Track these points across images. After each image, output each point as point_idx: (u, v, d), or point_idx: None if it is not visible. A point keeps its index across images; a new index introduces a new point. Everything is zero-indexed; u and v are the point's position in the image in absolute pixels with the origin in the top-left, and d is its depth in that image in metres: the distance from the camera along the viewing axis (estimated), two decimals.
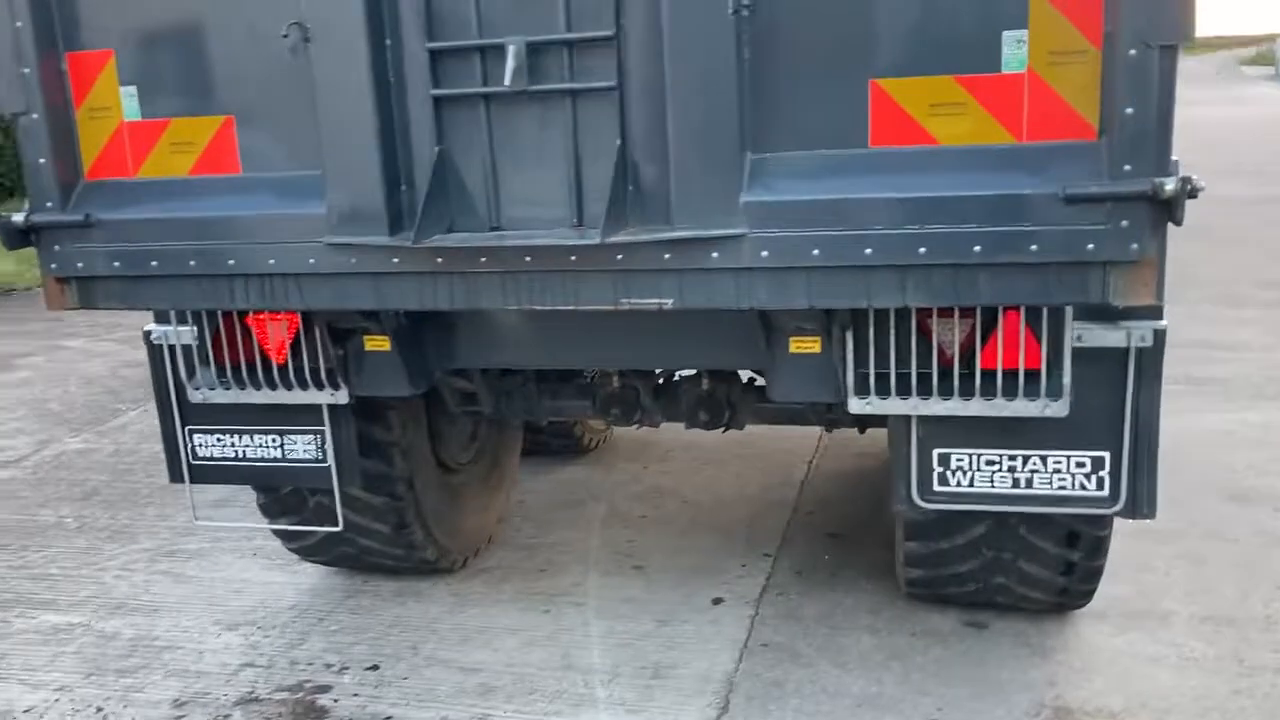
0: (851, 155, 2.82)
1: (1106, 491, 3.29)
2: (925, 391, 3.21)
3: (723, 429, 4.36)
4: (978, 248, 2.70)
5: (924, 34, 2.72)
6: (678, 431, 4.94)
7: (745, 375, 4.21)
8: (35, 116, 3.23)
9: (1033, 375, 3.14)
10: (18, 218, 3.30)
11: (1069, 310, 3.04)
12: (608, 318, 3.23)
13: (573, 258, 2.94)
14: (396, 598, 4.67)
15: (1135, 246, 2.62)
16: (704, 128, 2.82)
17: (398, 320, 3.55)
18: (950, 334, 3.17)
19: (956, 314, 3.13)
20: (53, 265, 3.36)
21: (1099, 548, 3.74)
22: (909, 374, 3.19)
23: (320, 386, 3.68)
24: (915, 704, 3.71)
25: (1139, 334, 3.16)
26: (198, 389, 3.80)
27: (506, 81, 2.89)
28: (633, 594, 4.59)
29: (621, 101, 2.90)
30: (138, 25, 3.21)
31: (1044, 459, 3.31)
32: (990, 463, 3.35)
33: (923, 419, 3.31)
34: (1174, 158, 2.60)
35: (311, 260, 3.13)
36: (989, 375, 3.17)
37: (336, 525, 4.01)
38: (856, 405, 3.27)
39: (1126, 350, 3.17)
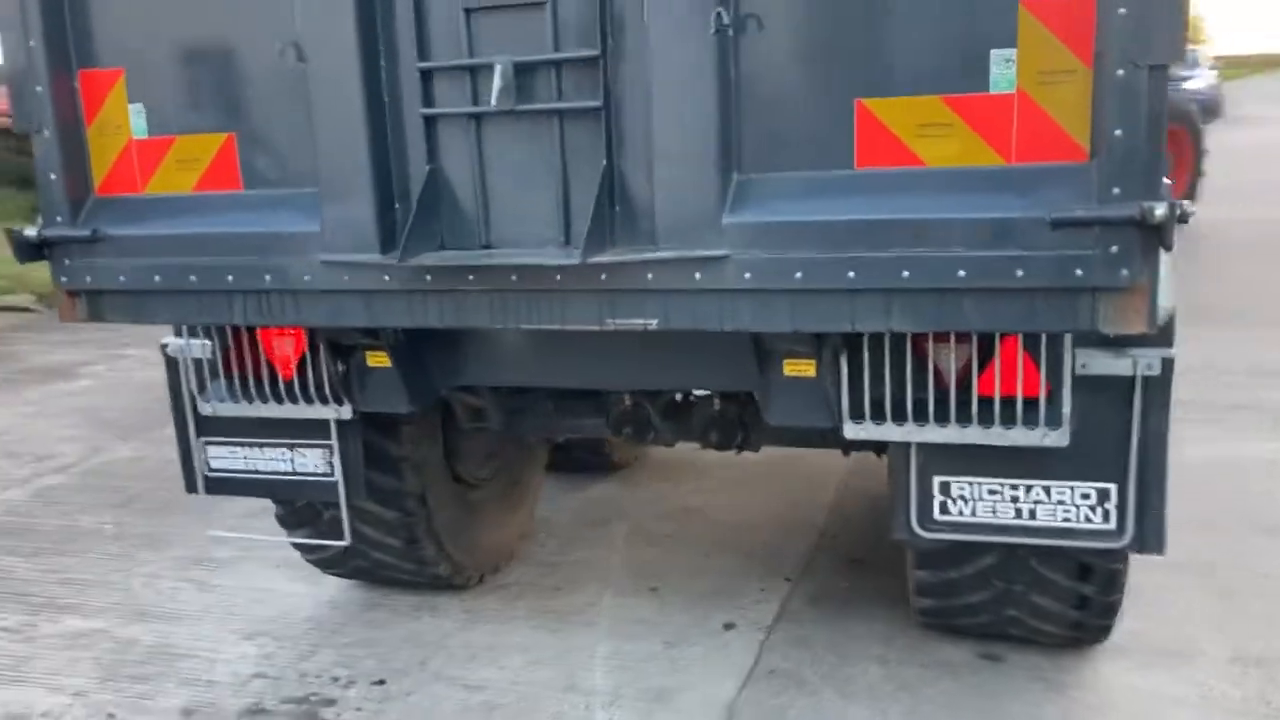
0: (836, 176, 2.77)
1: (1113, 525, 3.19)
2: (921, 418, 3.14)
3: (736, 450, 4.31)
4: (962, 272, 2.63)
5: (910, 53, 2.67)
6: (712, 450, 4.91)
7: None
8: (47, 133, 3.31)
9: (1031, 403, 3.05)
10: (30, 232, 3.37)
11: (1068, 336, 2.95)
12: (606, 337, 3.21)
13: (558, 277, 2.93)
14: (412, 612, 4.68)
15: (1125, 273, 2.53)
16: (686, 148, 2.79)
17: (396, 337, 3.57)
18: (947, 359, 3.10)
19: (953, 338, 3.06)
20: (63, 279, 3.44)
21: (1113, 582, 3.62)
22: (905, 399, 3.12)
23: (325, 401, 3.71)
24: None
25: (1145, 362, 3.06)
26: (208, 401, 3.86)
27: (493, 101, 2.89)
28: (645, 615, 4.55)
29: (607, 121, 2.88)
30: (145, 44, 3.27)
31: (1048, 490, 3.22)
32: (992, 492, 3.26)
33: (922, 445, 3.23)
34: (1165, 181, 2.51)
35: (307, 277, 3.16)
36: (987, 402, 3.08)
37: (344, 540, 4.03)
38: (852, 430, 3.20)
39: (1132, 379, 3.07)
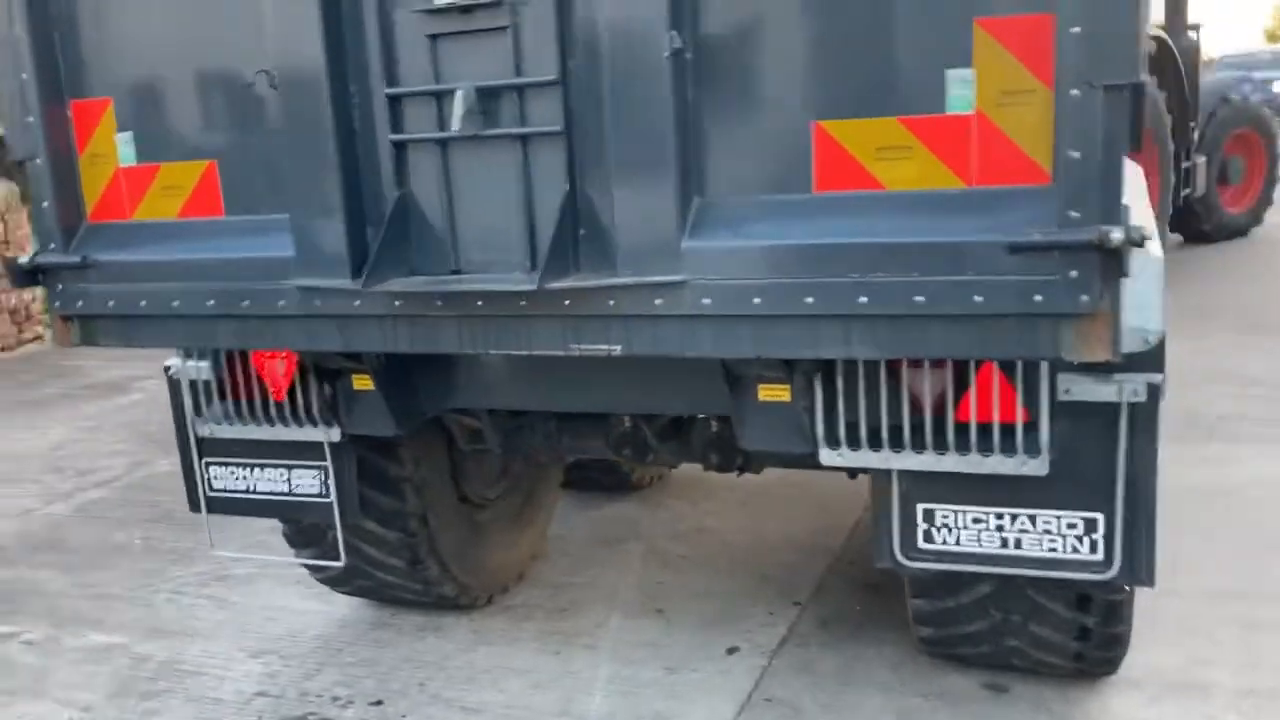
0: (795, 200, 2.71)
1: (1100, 556, 3.08)
2: (898, 444, 3.06)
3: (738, 472, 4.26)
4: (920, 298, 2.56)
5: (865, 74, 2.60)
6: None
7: None
8: (40, 161, 3.38)
9: (1009, 430, 2.96)
10: (23, 259, 3.45)
11: (1045, 362, 2.86)
12: (586, 360, 3.18)
13: (523, 303, 2.91)
14: (417, 632, 4.69)
15: (1085, 299, 2.44)
16: (644, 172, 2.75)
17: (378, 361, 3.58)
18: (923, 384, 3.02)
19: (927, 364, 2.98)
20: (57, 304, 3.50)
21: (1115, 613, 3.49)
22: (880, 425, 3.05)
23: (314, 424, 3.74)
24: None
25: (1131, 388, 2.95)
26: (205, 423, 3.91)
27: (455, 126, 2.88)
28: (650, 638, 4.51)
29: (569, 146, 2.86)
30: (131, 74, 3.32)
31: (1033, 519, 3.12)
32: (977, 520, 3.17)
33: (904, 472, 3.16)
34: (1124, 203, 2.42)
35: (282, 302, 3.18)
36: (965, 429, 3.00)
37: (339, 560, 4.06)
38: (828, 457, 3.14)
39: (1118, 405, 2.96)
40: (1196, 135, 11.59)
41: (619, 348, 2.89)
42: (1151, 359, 2.97)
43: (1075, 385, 2.98)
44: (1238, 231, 12.81)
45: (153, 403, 8.83)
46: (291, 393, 3.74)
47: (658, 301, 2.79)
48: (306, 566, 4.62)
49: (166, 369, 4.05)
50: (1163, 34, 10.22)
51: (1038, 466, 2.95)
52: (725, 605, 4.75)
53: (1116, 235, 2.34)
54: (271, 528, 5.55)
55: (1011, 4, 2.46)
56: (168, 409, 4.12)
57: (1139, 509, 3.03)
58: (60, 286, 3.47)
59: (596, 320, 2.89)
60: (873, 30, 2.58)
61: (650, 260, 2.78)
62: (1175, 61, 10.41)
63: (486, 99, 2.91)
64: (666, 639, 4.49)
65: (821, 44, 2.64)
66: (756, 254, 2.71)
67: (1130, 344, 2.87)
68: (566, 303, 2.88)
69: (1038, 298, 2.47)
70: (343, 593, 4.84)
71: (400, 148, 3.05)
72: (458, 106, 2.86)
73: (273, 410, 3.78)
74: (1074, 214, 2.40)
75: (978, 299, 2.52)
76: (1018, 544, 3.14)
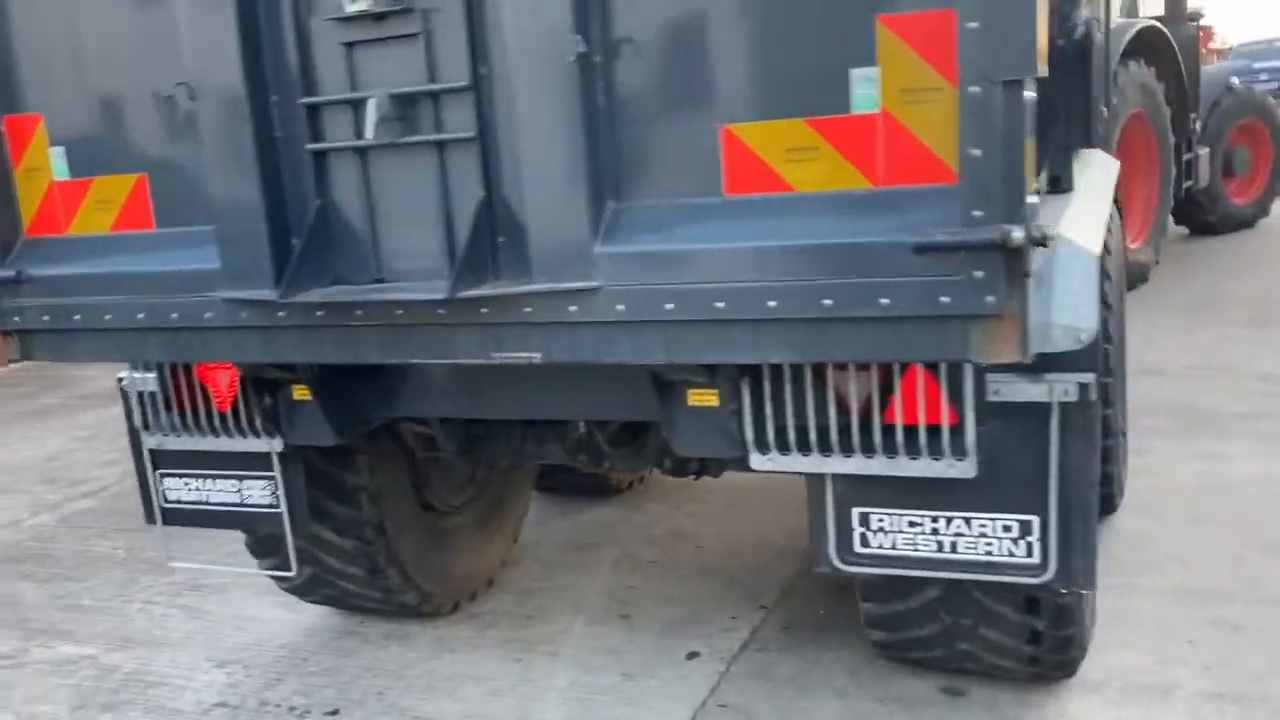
0: (706, 204, 2.68)
1: (1036, 559, 3.03)
2: (827, 448, 3.02)
3: (694, 476, 4.23)
4: (828, 301, 2.52)
5: (770, 75, 2.57)
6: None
7: None
8: None
9: (937, 432, 2.91)
10: None
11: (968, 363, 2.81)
12: (521, 367, 3.16)
13: (441, 311, 2.88)
14: (382, 640, 4.68)
15: (991, 299, 2.39)
16: (554, 177, 2.73)
17: (313, 371, 3.57)
18: (850, 386, 2.98)
19: (852, 367, 2.94)
20: None
21: (1066, 616, 3.43)
22: (808, 429, 3.01)
23: (257, 435, 3.73)
24: None
25: (1062, 388, 2.90)
26: (154, 435, 3.92)
27: (368, 134, 2.86)
28: (612, 645, 4.48)
29: (483, 152, 2.83)
30: (59, 88, 3.33)
31: (969, 521, 3.07)
32: (913, 524, 3.13)
33: (838, 476, 3.12)
34: (1030, 200, 2.37)
35: (209, 314, 3.17)
36: (892, 431, 2.96)
37: (291, 571, 4.05)
38: (758, 461, 3.10)
39: (1049, 405, 2.91)
40: (1198, 126, 11.44)
41: (538, 355, 2.86)
42: (1084, 358, 2.92)
43: (1005, 386, 2.93)
44: (1244, 223, 12.64)
45: None
46: (236, 404, 3.73)
47: (573, 308, 2.76)
48: (271, 577, 4.61)
49: (119, 381, 4.05)
50: (1158, 24, 10.12)
51: (965, 469, 2.91)
52: (691, 610, 4.72)
53: (1017, 235, 2.29)
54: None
55: (914, 0, 2.41)
56: None
57: (1074, 511, 2.98)
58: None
59: (515, 328, 2.86)
60: (777, 31, 2.55)
61: (564, 267, 2.75)
62: (1173, 52, 10.29)
63: (402, 106, 2.89)
64: (628, 645, 4.46)
65: (727, 46, 2.60)
66: (668, 259, 2.68)
67: (1063, 342, 2.83)
68: (484, 311, 2.85)
69: (944, 299, 2.43)
70: (309, 602, 4.83)
71: (320, 157, 3.03)
72: (370, 114, 2.85)
73: (217, 421, 3.78)
74: (977, 213, 2.36)
75: (884, 301, 2.47)
76: (953, 547, 3.10)
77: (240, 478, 3.98)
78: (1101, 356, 4.39)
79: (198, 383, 3.79)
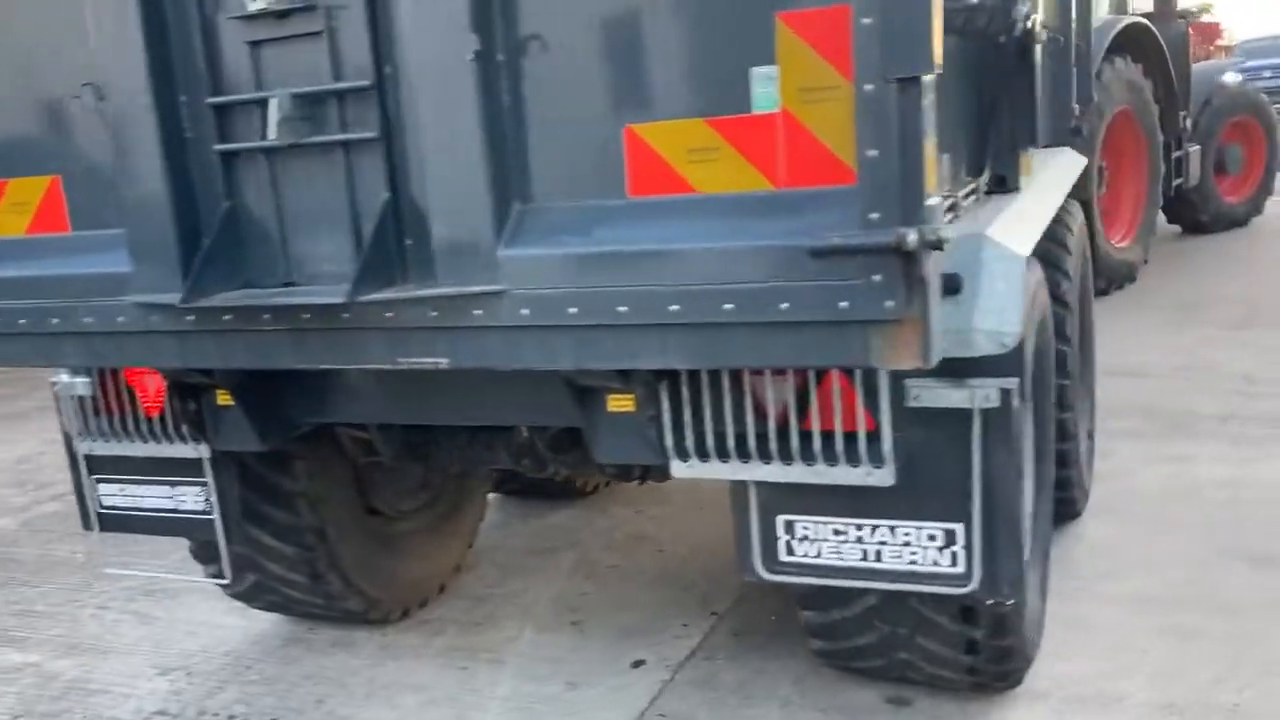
0: (610, 206, 2.61)
1: (961, 568, 2.96)
2: (745, 455, 2.96)
3: (639, 481, 4.17)
4: (729, 305, 2.45)
5: (671, 73, 2.50)
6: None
7: None
8: None
9: (854, 439, 2.84)
10: None
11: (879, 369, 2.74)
12: (442, 372, 3.10)
13: (345, 315, 2.82)
14: (328, 647, 4.63)
15: (890, 304, 2.32)
16: (457, 178, 2.67)
17: (232, 375, 3.50)
18: (767, 391, 2.91)
19: (768, 372, 2.87)
20: None
21: (1003, 626, 3.36)
22: (729, 435, 2.95)
23: (185, 440, 3.68)
24: None
25: (983, 394, 2.83)
26: (87, 440, 3.86)
27: (271, 135, 2.80)
28: (558, 653, 4.41)
29: (388, 153, 2.77)
30: None
31: (893, 530, 3.00)
32: (837, 532, 3.06)
33: (762, 482, 3.05)
34: (930, 203, 2.29)
35: (121, 319, 3.11)
36: (810, 438, 2.89)
37: (225, 579, 4.00)
38: (679, 469, 3.04)
39: (970, 411, 2.84)
40: (1189, 124, 11.33)
41: (445, 360, 2.80)
42: (1007, 363, 2.85)
43: (925, 391, 2.86)
44: (1236, 222, 12.52)
45: None
46: (164, 409, 3.68)
47: (477, 312, 2.70)
48: (214, 583, 4.55)
49: (53, 384, 4.00)
50: (1145, 20, 10.02)
51: (883, 476, 2.84)
52: (643, 617, 4.65)
53: (913, 238, 2.22)
54: None
55: None
56: None
57: (998, 519, 2.90)
58: None
59: (421, 332, 2.80)
60: (678, 28, 2.49)
61: (469, 270, 2.69)
62: (1160, 49, 10.19)
63: (306, 106, 2.83)
64: (575, 653, 4.40)
65: (628, 44, 2.54)
66: (572, 262, 2.61)
67: (985, 347, 2.77)
68: (389, 315, 2.79)
69: (843, 304, 2.35)
70: (256, 608, 4.77)
71: (228, 158, 2.97)
72: (272, 114, 2.79)
73: (145, 427, 3.72)
74: (874, 216, 2.29)
75: (784, 306, 2.40)
76: (878, 556, 3.03)
77: (173, 483, 3.92)
78: (1055, 359, 4.33)
79: (127, 387, 3.73)
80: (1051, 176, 4.68)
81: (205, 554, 4.39)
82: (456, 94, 2.61)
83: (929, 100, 2.25)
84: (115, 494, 4.04)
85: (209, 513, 3.89)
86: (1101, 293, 9.68)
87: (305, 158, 2.88)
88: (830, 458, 2.88)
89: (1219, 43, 25.11)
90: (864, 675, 3.88)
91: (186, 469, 3.85)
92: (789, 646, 4.24)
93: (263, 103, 2.88)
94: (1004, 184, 3.72)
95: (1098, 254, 9.42)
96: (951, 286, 2.75)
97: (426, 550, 4.90)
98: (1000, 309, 2.79)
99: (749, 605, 4.66)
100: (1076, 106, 6.15)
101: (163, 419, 3.71)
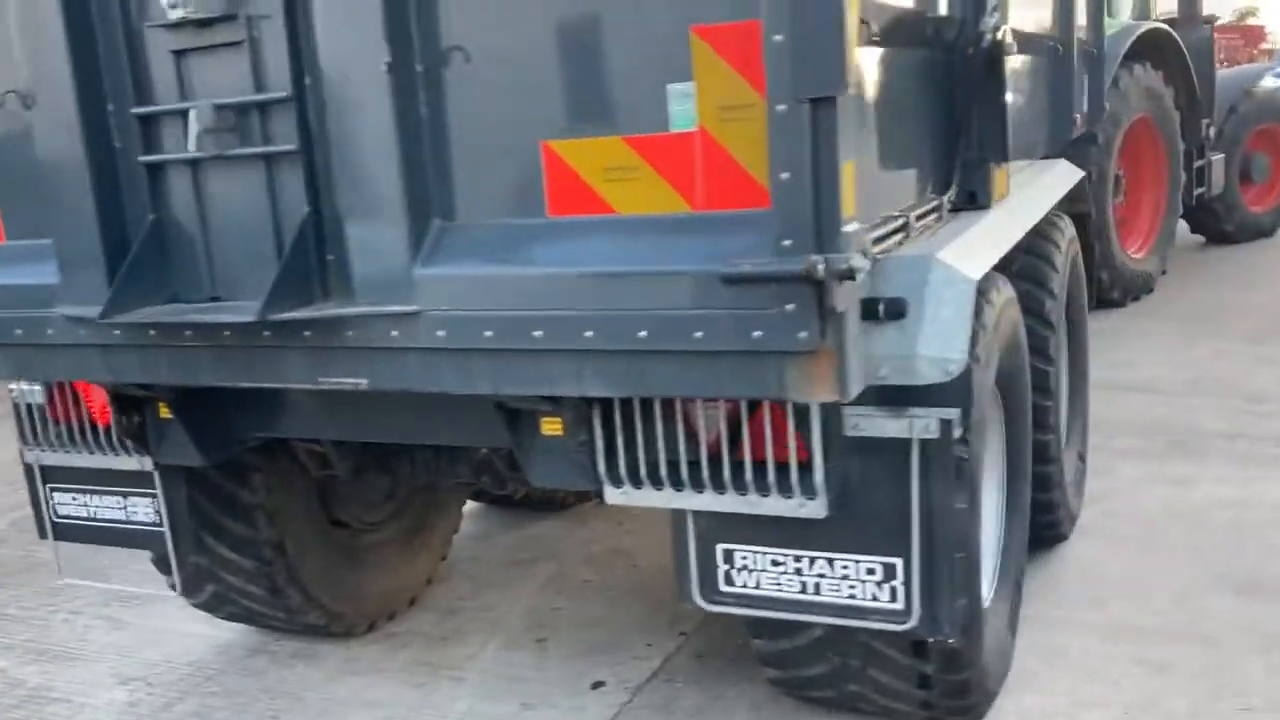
0: (530, 226, 2.53)
1: (900, 604, 2.85)
2: (679, 483, 2.86)
3: (597, 500, 4.07)
4: (643, 333, 2.36)
5: (587, 88, 2.42)
6: None
7: None
8: None
9: (786, 469, 2.74)
10: None
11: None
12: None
13: (266, 333, 2.75)
14: (290, 660, 4.57)
15: (804, 335, 2.22)
16: (373, 192, 2.59)
17: (169, 389, 3.44)
18: (699, 419, 2.81)
19: (699, 398, 2.77)
20: None
21: (956, 661, 3.23)
22: (661, 463, 2.85)
23: (129, 453, 3.63)
24: None
25: (923, 424, 2.71)
26: (36, 449, 3.82)
27: (190, 147, 2.74)
28: (519, 671, 4.33)
29: (308, 166, 2.69)
30: None
31: (831, 563, 2.89)
32: (776, 563, 2.96)
33: (700, 510, 2.95)
34: (848, 229, 2.19)
35: (50, 331, 3.06)
36: (742, 467, 2.79)
37: (175, 591, 3.94)
38: (612, 495, 2.96)
39: (908, 441, 2.72)
40: (1212, 132, 11.08)
41: (364, 381, 2.73)
42: (950, 392, 2.73)
43: (864, 420, 2.75)
44: (1262, 232, 12.22)
45: None
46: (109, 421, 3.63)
47: (394, 333, 2.63)
48: (188, 591, 4.50)
49: (10, 392, 3.96)
50: (1166, 26, 9.81)
51: (816, 509, 2.73)
52: (609, 635, 4.56)
53: (822, 267, 2.11)
54: None
55: (726, 10, 2.25)
56: None
57: (939, 555, 2.79)
58: None
59: (340, 352, 2.73)
60: (595, 41, 2.40)
61: (385, 289, 2.62)
62: (1182, 55, 9.97)
63: (228, 117, 2.76)
64: (536, 672, 4.31)
65: (545, 57, 2.45)
66: (487, 283, 2.54)
67: (928, 374, 2.66)
68: (307, 334, 2.72)
69: (756, 334, 2.26)
70: (220, 618, 4.72)
71: (154, 169, 2.91)
72: (192, 125, 2.72)
73: (93, 437, 3.67)
74: (787, 242, 2.18)
75: (698, 335, 2.31)
76: (817, 589, 2.92)
77: (124, 494, 3.88)
78: (1034, 379, 4.19)
79: (76, 397, 3.68)
80: (1036, 191, 4.54)
81: (165, 564, 4.34)
82: (372, 105, 2.53)
83: (844, 122, 2.14)
84: (69, 503, 4.00)
85: (160, 525, 3.84)
86: (1116, 304, 9.51)
87: (228, 170, 2.82)
88: (763, 488, 2.78)
89: (1263, 46, 24.69)
90: (821, 705, 3.77)
91: (137, 480, 3.81)
92: (750, 672, 4.12)
93: (185, 113, 2.82)
94: (974, 200, 3.59)
95: (1111, 264, 9.24)
96: (895, 310, 2.64)
97: (395, 563, 4.82)
98: (945, 335, 2.68)
99: (715, 626, 4.54)
100: (1077, 116, 6.00)
101: (109, 430, 3.65)
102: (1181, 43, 9.95)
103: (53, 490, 4.02)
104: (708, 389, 2.42)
